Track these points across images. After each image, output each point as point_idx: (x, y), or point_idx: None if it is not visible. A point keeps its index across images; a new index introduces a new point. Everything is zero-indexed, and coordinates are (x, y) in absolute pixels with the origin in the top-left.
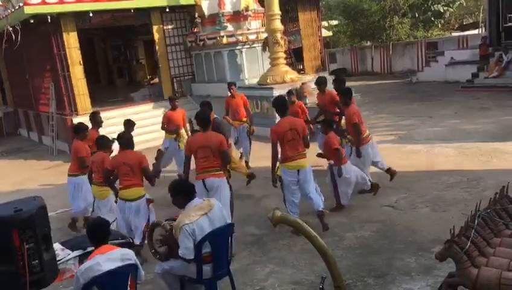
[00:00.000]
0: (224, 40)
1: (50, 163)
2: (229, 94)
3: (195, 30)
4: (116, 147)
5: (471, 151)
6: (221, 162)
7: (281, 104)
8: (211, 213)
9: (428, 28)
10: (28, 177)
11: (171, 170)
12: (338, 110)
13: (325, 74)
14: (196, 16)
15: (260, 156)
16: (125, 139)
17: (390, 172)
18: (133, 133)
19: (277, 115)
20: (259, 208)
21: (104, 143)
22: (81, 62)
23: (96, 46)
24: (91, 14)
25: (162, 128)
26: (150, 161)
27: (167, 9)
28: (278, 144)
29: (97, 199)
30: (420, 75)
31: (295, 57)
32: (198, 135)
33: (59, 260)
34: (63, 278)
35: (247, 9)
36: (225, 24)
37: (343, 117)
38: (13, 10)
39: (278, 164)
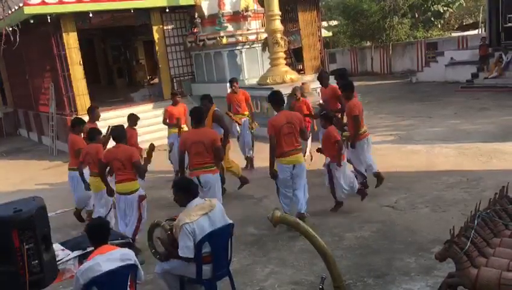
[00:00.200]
0: (224, 41)
1: (50, 163)
2: (231, 91)
3: (195, 30)
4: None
5: (471, 151)
6: (215, 158)
7: (277, 99)
8: (212, 213)
9: (428, 28)
10: (28, 177)
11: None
12: (340, 106)
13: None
14: (196, 16)
15: (261, 157)
16: (117, 132)
17: (378, 177)
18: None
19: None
20: (259, 208)
21: (95, 135)
22: (81, 62)
23: (96, 46)
24: (91, 15)
25: (164, 122)
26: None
27: (167, 10)
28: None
29: (93, 192)
30: (420, 76)
31: (295, 57)
32: (191, 131)
33: (59, 261)
34: (62, 278)
35: (247, 9)
36: (225, 24)
37: (345, 113)
38: (12, 11)
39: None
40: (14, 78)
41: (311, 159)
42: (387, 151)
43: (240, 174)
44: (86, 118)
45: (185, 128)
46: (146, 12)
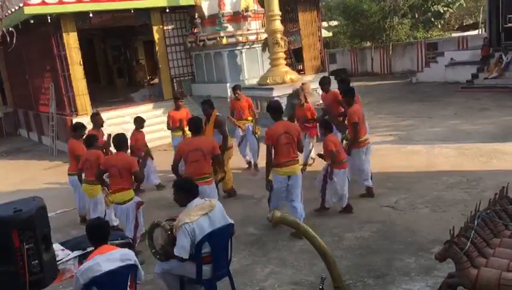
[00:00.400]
0: (224, 41)
1: (50, 163)
2: (234, 97)
3: (195, 30)
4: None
5: (471, 151)
6: (214, 165)
7: (276, 109)
8: (212, 213)
9: (428, 29)
10: (28, 177)
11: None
12: (342, 110)
13: (325, 75)
14: (196, 16)
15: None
16: (117, 140)
17: (369, 191)
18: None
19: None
20: (259, 208)
21: (92, 141)
22: (81, 62)
23: (96, 46)
24: (91, 15)
25: (168, 128)
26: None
27: (167, 10)
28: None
29: (87, 198)
30: (420, 76)
31: (295, 58)
32: (190, 139)
33: (59, 261)
34: (62, 278)
35: (247, 9)
36: (225, 24)
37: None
38: (12, 11)
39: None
40: (14, 78)
41: (313, 162)
42: (387, 152)
43: (230, 187)
44: (87, 120)
45: (189, 134)
46: (146, 12)
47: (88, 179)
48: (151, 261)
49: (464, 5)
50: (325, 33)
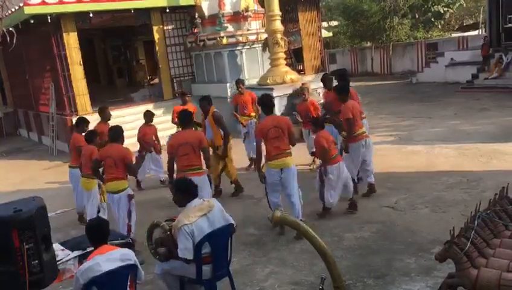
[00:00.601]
0: (224, 41)
1: (50, 163)
2: (237, 92)
3: (196, 31)
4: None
5: (471, 152)
6: (203, 158)
7: (267, 103)
8: (211, 214)
9: (428, 29)
10: (28, 177)
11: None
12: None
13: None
14: (196, 16)
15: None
16: (113, 132)
17: (371, 187)
18: (131, 133)
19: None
20: (259, 208)
21: (92, 137)
22: (81, 62)
23: (96, 46)
24: (91, 15)
25: (173, 122)
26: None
27: (167, 10)
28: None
29: (84, 191)
30: (420, 76)
31: (295, 58)
32: (179, 133)
33: (59, 261)
34: (62, 278)
35: (247, 9)
36: (225, 25)
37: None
38: (13, 11)
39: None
40: (14, 78)
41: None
42: (388, 152)
43: (235, 178)
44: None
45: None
46: (146, 12)
47: (84, 173)
48: (151, 261)
49: (464, 5)
50: (325, 33)
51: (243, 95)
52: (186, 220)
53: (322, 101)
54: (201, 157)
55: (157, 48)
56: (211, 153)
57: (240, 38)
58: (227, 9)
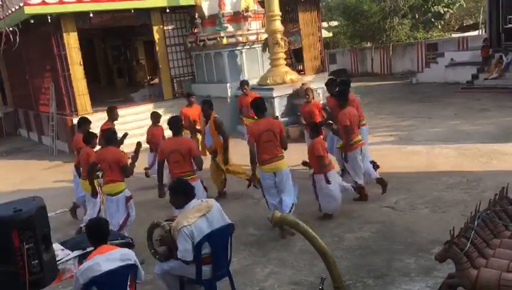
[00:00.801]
0: (225, 41)
1: (50, 163)
2: (242, 93)
3: (196, 31)
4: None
5: (471, 152)
6: (196, 166)
7: (259, 106)
8: (210, 214)
9: (429, 29)
10: (28, 177)
11: None
12: None
13: (325, 75)
14: (196, 16)
15: None
16: (106, 136)
17: (381, 183)
18: (131, 133)
19: (279, 116)
20: (259, 208)
21: (90, 139)
22: (81, 62)
23: (96, 46)
24: (91, 15)
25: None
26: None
27: (167, 10)
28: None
29: (85, 192)
30: (420, 76)
31: (295, 58)
32: (170, 139)
33: (59, 260)
34: (62, 278)
35: (247, 10)
36: (225, 25)
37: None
38: (13, 11)
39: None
40: (14, 78)
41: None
42: (388, 152)
43: (247, 176)
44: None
45: (199, 136)
46: (146, 12)
47: (83, 175)
48: (151, 261)
49: (464, 5)
50: (325, 33)
51: (247, 97)
52: (185, 221)
53: (322, 101)
54: (193, 163)
55: (157, 48)
56: (210, 162)
57: (240, 39)
58: (227, 9)
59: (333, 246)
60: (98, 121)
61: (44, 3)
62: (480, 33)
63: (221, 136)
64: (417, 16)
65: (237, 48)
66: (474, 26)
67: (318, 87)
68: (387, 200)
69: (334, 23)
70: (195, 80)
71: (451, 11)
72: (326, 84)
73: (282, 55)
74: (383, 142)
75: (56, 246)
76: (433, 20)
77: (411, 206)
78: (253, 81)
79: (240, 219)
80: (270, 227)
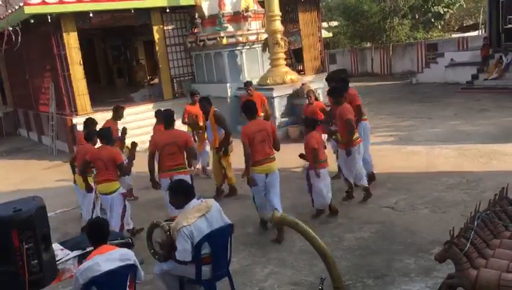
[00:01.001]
0: (225, 41)
1: (50, 163)
2: (245, 93)
3: (196, 31)
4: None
5: (470, 152)
6: (189, 158)
7: (249, 108)
8: (209, 214)
9: (428, 30)
10: (28, 177)
11: None
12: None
13: (325, 75)
14: (196, 16)
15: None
16: (102, 135)
17: (348, 193)
18: (131, 133)
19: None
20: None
21: (91, 136)
22: (81, 62)
23: (96, 46)
24: (91, 15)
25: (183, 122)
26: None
27: (167, 10)
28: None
29: (79, 188)
30: (420, 77)
31: (295, 58)
32: (163, 132)
33: (58, 260)
34: (62, 278)
35: (247, 10)
36: (225, 25)
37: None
38: (13, 10)
39: None
40: (14, 77)
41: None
42: (388, 152)
43: (232, 183)
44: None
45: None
46: (146, 12)
47: (78, 170)
48: (150, 261)
49: (464, 5)
50: (325, 33)
51: (252, 98)
52: (185, 221)
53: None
54: (185, 156)
55: (157, 48)
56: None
57: (240, 39)
58: (227, 9)
59: (333, 246)
60: (98, 121)
61: (44, 3)
62: (480, 33)
63: (223, 129)
64: (417, 16)
65: (237, 48)
66: (474, 27)
67: (318, 87)
68: (387, 200)
69: (334, 23)
70: (195, 80)
71: (451, 12)
72: (326, 80)
73: (282, 55)
74: (383, 143)
75: (56, 246)
76: (433, 20)
77: (411, 206)
78: (253, 81)
79: (240, 219)
80: (270, 227)
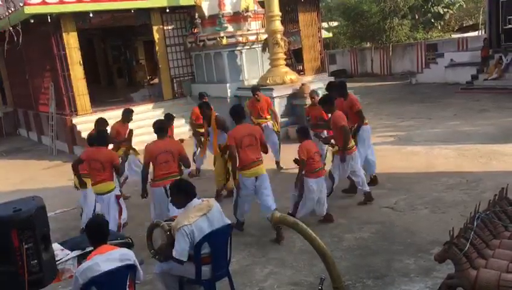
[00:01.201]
0: (224, 41)
1: (49, 163)
2: (254, 98)
3: (195, 31)
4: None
5: (470, 153)
6: (183, 166)
7: (237, 112)
8: (210, 214)
9: (428, 30)
10: (28, 177)
11: None
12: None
13: (325, 75)
14: (196, 16)
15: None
16: (99, 137)
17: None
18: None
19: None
20: (258, 208)
21: (92, 140)
22: (81, 62)
23: (96, 46)
24: (91, 15)
25: (191, 123)
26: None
27: (167, 10)
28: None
29: (81, 189)
30: (420, 77)
31: (295, 58)
32: (157, 141)
33: (58, 260)
34: (61, 278)
35: (247, 10)
36: (225, 25)
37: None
38: (13, 10)
39: None
40: (14, 77)
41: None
42: (387, 153)
43: (229, 188)
44: (85, 119)
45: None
46: (146, 12)
47: (82, 172)
48: (150, 261)
49: (464, 6)
50: (325, 34)
51: (259, 102)
52: (186, 221)
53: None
54: (178, 165)
55: (157, 48)
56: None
57: (240, 39)
58: (227, 9)
59: (333, 247)
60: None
61: (44, 3)
62: (480, 34)
63: (225, 132)
64: (417, 17)
65: (237, 48)
66: (474, 27)
67: (318, 87)
68: (387, 200)
69: (334, 23)
70: (195, 80)
71: (451, 12)
72: (326, 89)
73: (282, 55)
74: (383, 143)
75: (55, 246)
76: (432, 20)
77: (411, 206)
78: (253, 82)
79: None
80: (269, 227)
